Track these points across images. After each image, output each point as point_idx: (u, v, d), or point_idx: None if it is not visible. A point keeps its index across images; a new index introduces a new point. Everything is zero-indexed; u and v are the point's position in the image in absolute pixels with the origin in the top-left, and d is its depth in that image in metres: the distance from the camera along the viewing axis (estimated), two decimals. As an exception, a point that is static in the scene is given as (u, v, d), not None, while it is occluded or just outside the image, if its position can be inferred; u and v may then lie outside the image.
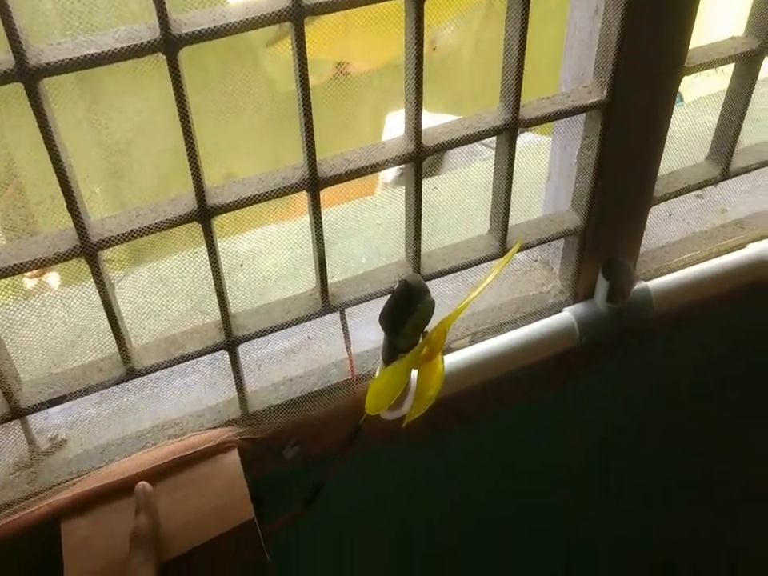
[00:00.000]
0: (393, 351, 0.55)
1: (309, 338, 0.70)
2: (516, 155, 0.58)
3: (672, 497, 1.12)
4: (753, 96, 0.68)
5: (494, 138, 0.59)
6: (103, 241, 0.50)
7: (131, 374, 0.58)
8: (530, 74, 0.56)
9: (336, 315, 0.64)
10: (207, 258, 0.54)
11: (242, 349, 0.62)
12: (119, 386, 0.59)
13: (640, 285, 0.73)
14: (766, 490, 1.22)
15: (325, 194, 0.53)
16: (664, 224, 0.81)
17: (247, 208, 0.51)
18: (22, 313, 0.66)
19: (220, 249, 0.52)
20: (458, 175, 0.79)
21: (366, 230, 0.71)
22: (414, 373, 0.64)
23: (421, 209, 0.60)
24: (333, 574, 0.88)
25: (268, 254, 0.66)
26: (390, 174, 1.70)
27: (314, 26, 0.42)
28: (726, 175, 0.73)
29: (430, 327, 0.52)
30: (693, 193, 0.82)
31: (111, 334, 0.55)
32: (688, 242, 0.79)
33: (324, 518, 0.77)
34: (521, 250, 0.67)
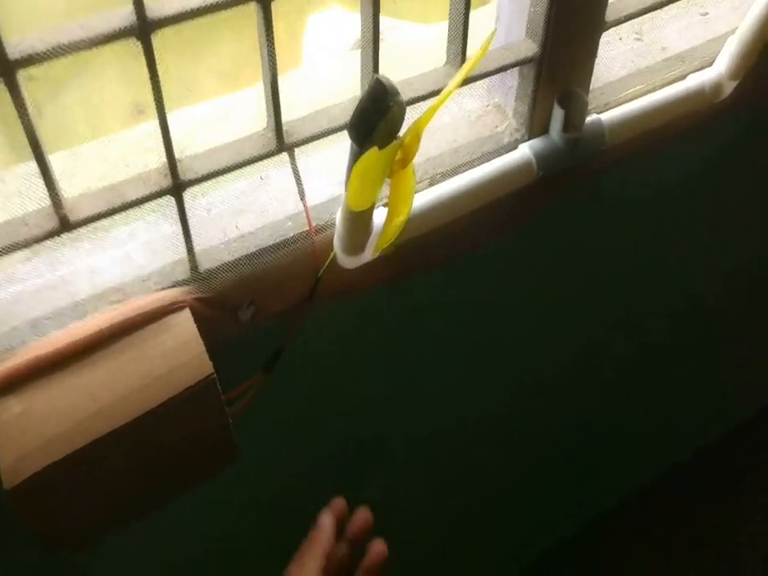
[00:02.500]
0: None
1: (261, 178, 0.65)
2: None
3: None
4: None
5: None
6: (24, 59, 0.43)
7: (66, 225, 0.51)
8: None
9: (289, 171, 0.59)
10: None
11: (188, 194, 0.56)
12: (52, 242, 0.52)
13: (592, 117, 0.72)
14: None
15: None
16: (609, 63, 0.79)
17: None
18: None
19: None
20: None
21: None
22: (378, 213, 0.61)
23: (379, 35, 0.55)
24: (297, 442, 0.86)
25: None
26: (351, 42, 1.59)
27: None
28: (668, -2, 0.72)
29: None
30: (632, 36, 0.81)
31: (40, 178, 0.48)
32: (633, 77, 0.78)
33: (285, 383, 0.74)
34: (468, 82, 0.62)
